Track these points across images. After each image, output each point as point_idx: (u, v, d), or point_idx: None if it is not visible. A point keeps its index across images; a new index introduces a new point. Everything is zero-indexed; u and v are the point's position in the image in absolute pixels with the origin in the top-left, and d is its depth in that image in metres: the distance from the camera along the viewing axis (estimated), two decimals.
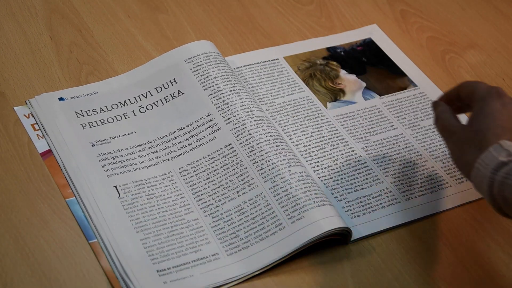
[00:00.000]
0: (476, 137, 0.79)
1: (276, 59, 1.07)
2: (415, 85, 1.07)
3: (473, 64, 1.12)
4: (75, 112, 0.94)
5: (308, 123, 0.99)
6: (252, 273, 0.82)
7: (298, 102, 1.02)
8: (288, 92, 1.03)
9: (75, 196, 0.85)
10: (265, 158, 0.89)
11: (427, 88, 1.07)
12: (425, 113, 1.03)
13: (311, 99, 1.03)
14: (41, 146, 0.90)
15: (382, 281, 0.84)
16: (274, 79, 1.04)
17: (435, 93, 1.06)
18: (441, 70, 1.11)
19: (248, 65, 1.05)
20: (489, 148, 0.77)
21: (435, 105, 0.88)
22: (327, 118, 1.00)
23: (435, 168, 0.96)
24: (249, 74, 1.04)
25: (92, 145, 0.91)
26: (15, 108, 0.93)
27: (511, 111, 0.80)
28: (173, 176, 0.89)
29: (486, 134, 0.78)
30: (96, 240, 0.82)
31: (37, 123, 0.92)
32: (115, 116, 0.95)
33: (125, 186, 0.87)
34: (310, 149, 0.96)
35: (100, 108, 0.95)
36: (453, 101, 0.88)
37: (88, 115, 0.94)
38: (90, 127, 0.93)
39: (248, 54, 1.07)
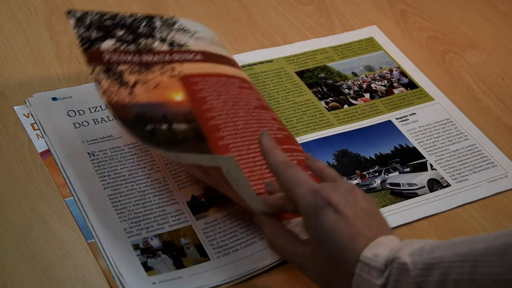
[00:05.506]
0: (334, 264, 0.71)
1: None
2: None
3: (473, 64, 1.12)
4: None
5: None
6: (243, 276, 0.82)
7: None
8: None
9: (73, 196, 0.85)
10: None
11: (428, 89, 1.07)
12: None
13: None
14: (40, 145, 0.90)
15: None
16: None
17: (436, 94, 1.07)
18: (441, 70, 1.11)
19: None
20: (356, 272, 0.69)
21: (260, 223, 0.80)
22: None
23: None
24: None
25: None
26: (14, 107, 0.93)
27: (348, 213, 0.72)
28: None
29: (342, 258, 0.71)
30: (93, 240, 0.82)
31: (36, 123, 0.92)
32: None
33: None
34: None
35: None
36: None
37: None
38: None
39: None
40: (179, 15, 1.11)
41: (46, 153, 0.89)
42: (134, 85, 0.85)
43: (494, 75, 1.11)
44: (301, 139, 0.97)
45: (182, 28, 0.95)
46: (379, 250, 0.70)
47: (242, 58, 1.06)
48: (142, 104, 0.84)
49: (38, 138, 0.90)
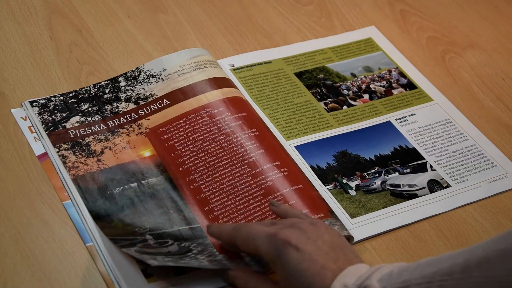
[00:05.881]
0: None
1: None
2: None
3: (473, 64, 1.12)
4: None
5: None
6: None
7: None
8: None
9: (70, 199, 0.85)
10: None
11: (427, 90, 1.07)
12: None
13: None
14: (37, 148, 0.89)
15: None
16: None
17: (435, 94, 1.07)
18: (441, 70, 1.11)
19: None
20: None
21: (230, 277, 0.79)
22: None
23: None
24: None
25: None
26: (12, 110, 0.93)
27: (310, 250, 0.73)
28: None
29: None
30: (92, 243, 0.82)
31: (32, 126, 0.92)
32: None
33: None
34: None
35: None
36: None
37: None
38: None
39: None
40: (179, 15, 1.11)
41: (44, 156, 0.89)
42: (101, 153, 0.89)
43: (494, 75, 1.11)
44: (301, 140, 0.97)
45: (148, 75, 0.98)
46: (347, 279, 0.70)
47: (241, 60, 1.06)
48: (111, 167, 0.88)
49: (36, 141, 0.90)
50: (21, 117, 0.93)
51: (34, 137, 0.91)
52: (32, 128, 0.92)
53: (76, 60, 1.02)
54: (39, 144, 0.90)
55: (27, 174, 0.87)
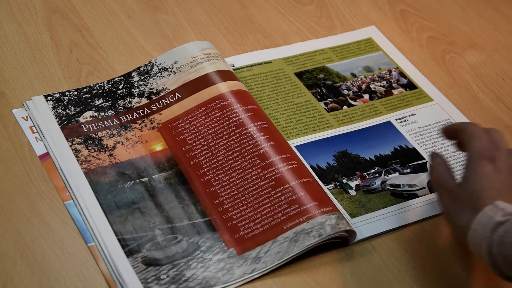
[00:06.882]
0: (471, 198, 0.79)
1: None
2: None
3: (473, 64, 1.12)
4: None
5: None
6: (254, 275, 0.82)
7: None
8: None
9: (72, 199, 0.85)
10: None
11: (427, 90, 1.07)
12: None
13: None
14: (39, 148, 0.89)
15: (382, 281, 0.84)
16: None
17: (435, 94, 1.07)
18: (441, 70, 1.11)
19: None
20: (484, 209, 0.77)
21: (433, 156, 0.87)
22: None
23: None
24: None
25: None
26: (13, 110, 0.93)
27: (503, 176, 0.81)
28: None
29: (480, 196, 0.79)
30: (94, 243, 0.82)
31: (34, 126, 0.92)
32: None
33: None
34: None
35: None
36: (453, 137, 0.88)
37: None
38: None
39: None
40: (179, 15, 1.11)
41: (45, 156, 0.89)
42: (113, 147, 0.90)
43: (494, 75, 1.11)
44: (301, 140, 0.97)
45: (161, 69, 0.99)
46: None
47: (241, 60, 1.06)
48: (122, 162, 0.89)
49: (37, 141, 0.90)
50: (22, 117, 0.93)
51: (36, 137, 0.91)
52: (33, 128, 0.92)
53: (76, 60, 1.02)
54: (41, 144, 0.90)
55: (27, 174, 0.87)
